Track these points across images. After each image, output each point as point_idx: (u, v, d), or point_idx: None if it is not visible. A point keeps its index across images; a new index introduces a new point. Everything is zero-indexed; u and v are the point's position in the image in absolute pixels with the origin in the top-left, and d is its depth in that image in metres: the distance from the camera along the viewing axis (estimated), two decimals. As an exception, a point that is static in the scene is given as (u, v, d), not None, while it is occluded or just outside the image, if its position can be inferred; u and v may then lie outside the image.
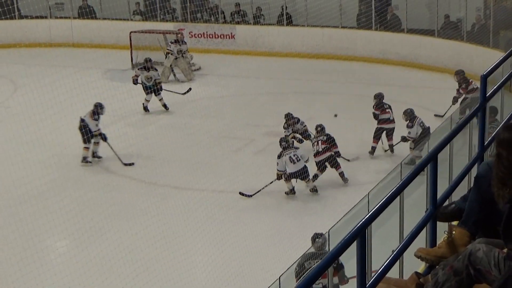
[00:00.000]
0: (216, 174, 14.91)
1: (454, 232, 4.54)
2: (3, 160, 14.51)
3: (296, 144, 15.64)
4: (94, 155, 16.35)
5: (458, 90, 18.07)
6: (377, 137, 16.20)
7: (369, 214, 3.87)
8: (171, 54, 23.00)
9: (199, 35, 27.22)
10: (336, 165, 14.65)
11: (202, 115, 18.85)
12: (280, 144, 14.44)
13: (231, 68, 21.97)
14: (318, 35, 25.70)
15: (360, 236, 3.67)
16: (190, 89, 19.47)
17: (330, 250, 3.66)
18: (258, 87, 21.92)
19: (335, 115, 17.78)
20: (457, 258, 4.05)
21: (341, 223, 9.29)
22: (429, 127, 15.42)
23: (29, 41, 26.85)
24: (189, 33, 26.98)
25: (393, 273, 4.44)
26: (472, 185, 4.65)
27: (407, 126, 15.48)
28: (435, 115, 18.41)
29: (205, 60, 24.46)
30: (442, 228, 4.84)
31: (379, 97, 16.58)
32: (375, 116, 16.41)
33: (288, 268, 7.91)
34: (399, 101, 20.06)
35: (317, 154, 14.67)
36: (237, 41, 26.80)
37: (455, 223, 4.76)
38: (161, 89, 19.81)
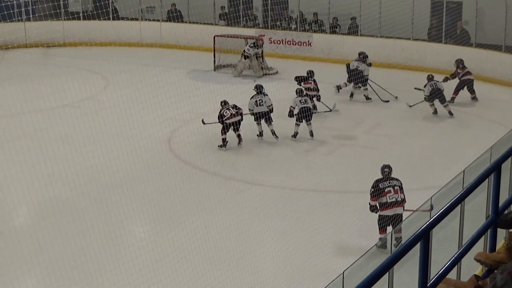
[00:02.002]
0: (288, 173, 14.93)
1: (513, 239, 4.47)
2: (93, 150, 14.78)
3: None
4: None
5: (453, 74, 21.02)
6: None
7: (432, 218, 3.84)
8: (248, 57, 23.32)
9: (278, 42, 27.28)
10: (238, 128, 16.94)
11: (278, 117, 18.90)
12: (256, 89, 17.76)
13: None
14: (390, 46, 25.51)
15: (423, 238, 3.65)
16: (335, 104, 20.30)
17: (393, 251, 3.64)
18: (331, 93, 21.85)
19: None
20: (515, 264, 3.98)
21: (403, 224, 9.23)
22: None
23: (121, 40, 27.28)
24: (269, 39, 27.06)
25: (451, 274, 4.39)
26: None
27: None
28: (415, 88, 20.23)
29: (283, 65, 24.51)
30: (501, 234, 4.77)
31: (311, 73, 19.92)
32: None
33: (351, 264, 7.85)
34: (465, 112, 19.85)
35: (229, 117, 16.63)
36: (313, 48, 26.77)
37: (514, 230, 4.68)
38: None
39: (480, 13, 24.57)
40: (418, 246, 3.74)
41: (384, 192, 11.53)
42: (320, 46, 26.67)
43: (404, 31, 25.41)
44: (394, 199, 11.45)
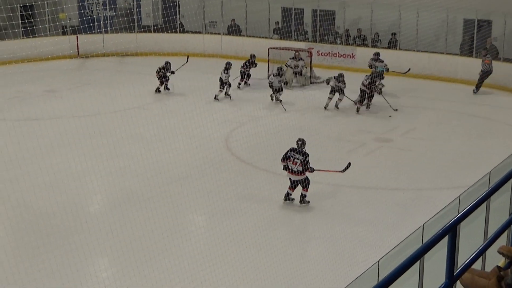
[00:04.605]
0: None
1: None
2: (159, 147, 14.89)
3: None
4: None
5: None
6: None
7: (460, 213, 3.77)
8: (289, 67, 23.43)
9: (325, 54, 27.16)
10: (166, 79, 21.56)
11: (323, 120, 18.86)
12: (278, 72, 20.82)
13: (351, 83, 21.74)
14: (425, 59, 25.19)
15: (451, 231, 3.59)
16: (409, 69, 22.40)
17: (424, 242, 3.58)
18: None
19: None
20: (536, 257, 3.89)
21: (434, 219, 9.08)
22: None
23: (186, 51, 27.42)
24: (317, 51, 26.96)
25: (476, 265, 4.30)
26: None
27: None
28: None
29: (329, 75, 24.37)
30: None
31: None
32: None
33: (386, 253, 7.77)
34: (491, 119, 19.52)
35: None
36: (356, 60, 26.56)
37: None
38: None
39: (508, 30, 24.13)
40: (446, 239, 3.68)
41: (289, 159, 12.89)
42: (363, 58, 26.42)
43: (438, 46, 25.10)
44: (292, 168, 12.79)
